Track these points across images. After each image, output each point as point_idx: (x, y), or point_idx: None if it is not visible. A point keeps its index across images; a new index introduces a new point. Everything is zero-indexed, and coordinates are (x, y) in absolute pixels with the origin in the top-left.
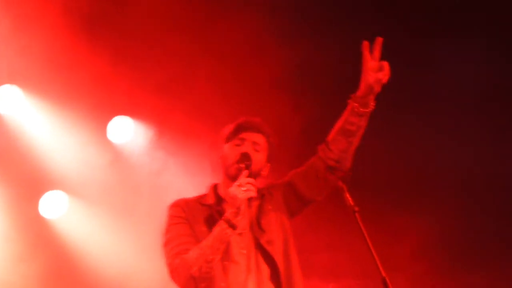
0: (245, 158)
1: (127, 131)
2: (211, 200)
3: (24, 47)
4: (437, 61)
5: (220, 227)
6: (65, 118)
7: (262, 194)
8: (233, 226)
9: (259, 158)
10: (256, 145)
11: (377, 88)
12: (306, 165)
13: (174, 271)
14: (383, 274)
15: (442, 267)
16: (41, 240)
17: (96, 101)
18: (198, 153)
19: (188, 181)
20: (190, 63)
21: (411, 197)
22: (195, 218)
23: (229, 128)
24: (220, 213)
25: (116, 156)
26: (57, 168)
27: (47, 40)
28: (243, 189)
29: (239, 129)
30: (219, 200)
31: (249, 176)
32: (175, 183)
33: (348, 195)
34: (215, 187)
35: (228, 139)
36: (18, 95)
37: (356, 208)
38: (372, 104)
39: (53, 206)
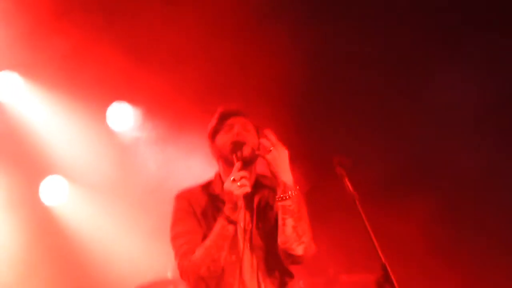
0: (236, 147)
1: (126, 117)
2: (217, 190)
3: (23, 33)
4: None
5: (220, 224)
6: (65, 104)
7: (265, 187)
8: (232, 222)
9: (251, 137)
10: (246, 125)
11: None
12: None
13: (183, 273)
14: (383, 260)
15: (444, 249)
16: (42, 225)
17: (96, 87)
18: (196, 138)
19: (187, 165)
20: (193, 48)
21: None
22: (203, 212)
23: (213, 121)
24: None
25: (115, 141)
26: (56, 155)
27: (45, 27)
28: (237, 184)
29: (223, 117)
30: (223, 190)
31: (245, 162)
32: (174, 168)
33: (348, 182)
34: (220, 176)
35: (217, 130)
36: (18, 82)
37: (356, 195)
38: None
39: (53, 192)
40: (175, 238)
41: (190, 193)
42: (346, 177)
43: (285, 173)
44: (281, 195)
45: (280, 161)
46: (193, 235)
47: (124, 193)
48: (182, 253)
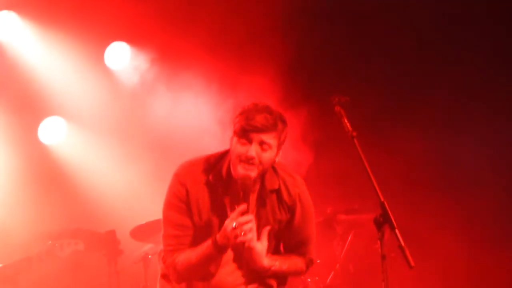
0: (244, 189)
1: (124, 57)
2: (223, 175)
3: None
4: None
5: (209, 249)
6: (63, 44)
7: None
8: (221, 251)
9: (266, 158)
10: (264, 144)
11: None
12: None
13: (166, 267)
14: (382, 199)
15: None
16: (41, 165)
17: (94, 27)
18: (193, 80)
19: (182, 107)
20: None
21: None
22: (199, 205)
23: (238, 121)
24: (226, 199)
25: (113, 82)
26: (55, 95)
27: None
28: (238, 233)
29: (246, 130)
30: (229, 179)
31: (247, 207)
32: (170, 108)
33: (346, 121)
34: (229, 161)
35: (237, 133)
36: (16, 22)
37: (354, 133)
38: None
39: (52, 132)
40: (166, 222)
41: (191, 177)
42: (344, 116)
43: (261, 260)
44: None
45: (257, 251)
46: (183, 231)
47: (122, 133)
48: (170, 250)
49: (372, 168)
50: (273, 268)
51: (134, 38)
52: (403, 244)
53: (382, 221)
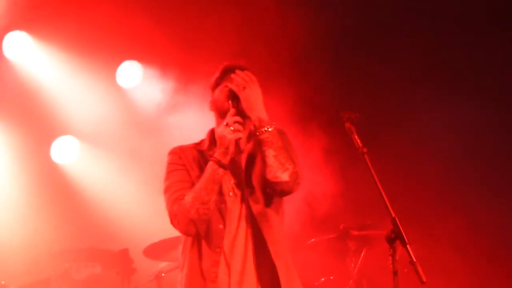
0: (231, 94)
1: (136, 76)
2: (205, 145)
3: None
4: None
5: (211, 167)
6: (75, 64)
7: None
8: (223, 166)
9: (248, 94)
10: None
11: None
12: None
13: (174, 218)
14: (393, 214)
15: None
16: (53, 184)
17: (105, 46)
18: (206, 99)
19: (196, 125)
20: (202, 8)
21: None
22: (191, 164)
23: (216, 74)
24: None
25: (125, 100)
26: (67, 114)
27: None
28: (231, 129)
29: (225, 73)
30: (213, 143)
31: (238, 114)
32: (183, 127)
33: (356, 137)
34: (212, 132)
35: (217, 84)
36: (28, 42)
37: (365, 150)
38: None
39: (64, 152)
40: (166, 189)
41: (180, 148)
42: (355, 133)
43: (260, 110)
44: (258, 130)
45: (254, 98)
46: (183, 183)
47: (135, 151)
48: (173, 200)
49: (382, 184)
50: None
51: (146, 57)
52: (414, 259)
53: (394, 237)
